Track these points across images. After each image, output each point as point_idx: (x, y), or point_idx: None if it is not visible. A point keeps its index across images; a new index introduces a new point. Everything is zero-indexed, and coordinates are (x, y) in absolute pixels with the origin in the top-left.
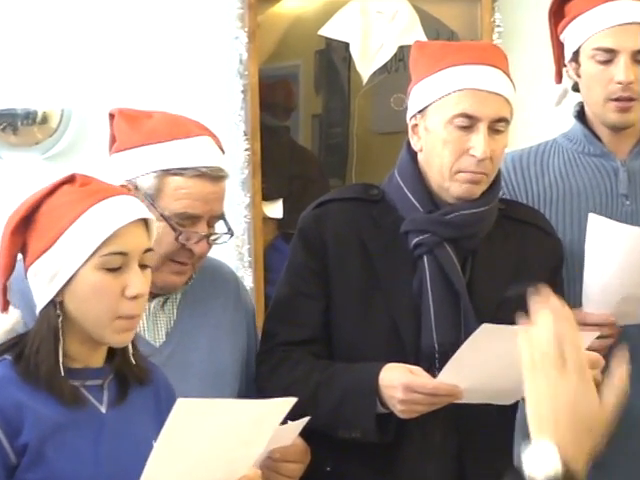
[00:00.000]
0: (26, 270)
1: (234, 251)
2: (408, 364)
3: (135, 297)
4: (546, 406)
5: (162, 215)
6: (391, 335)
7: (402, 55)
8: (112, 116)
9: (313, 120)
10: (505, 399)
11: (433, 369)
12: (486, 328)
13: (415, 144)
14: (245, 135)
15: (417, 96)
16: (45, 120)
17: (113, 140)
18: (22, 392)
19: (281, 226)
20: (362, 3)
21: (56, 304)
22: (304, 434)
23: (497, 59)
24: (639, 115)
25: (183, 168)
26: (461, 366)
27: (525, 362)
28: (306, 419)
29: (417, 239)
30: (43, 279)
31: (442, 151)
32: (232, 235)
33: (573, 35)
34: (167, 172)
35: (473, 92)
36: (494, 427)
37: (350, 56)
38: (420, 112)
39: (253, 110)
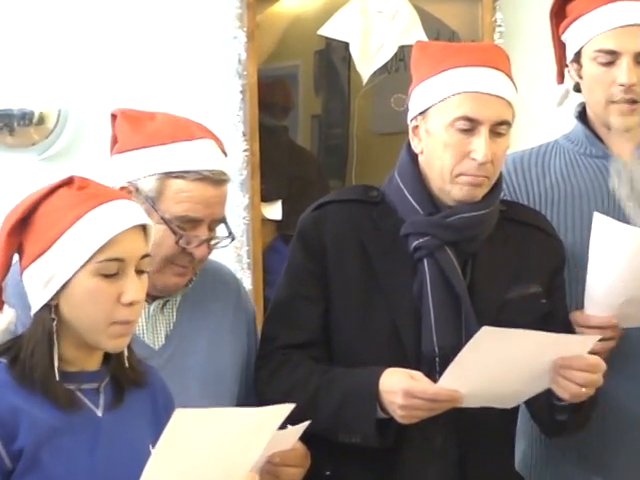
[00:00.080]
0: (22, 272)
1: (233, 253)
2: (409, 368)
3: (131, 303)
4: None
5: (163, 218)
6: (391, 338)
7: (402, 55)
8: (114, 116)
9: (312, 121)
10: (506, 403)
11: (434, 373)
12: (487, 331)
13: (416, 146)
14: (244, 136)
15: (418, 98)
16: (42, 121)
17: (114, 141)
18: (17, 396)
19: (280, 228)
20: (362, 3)
21: (51, 308)
22: (304, 438)
23: (499, 61)
24: None
25: (185, 171)
26: (462, 370)
27: None
28: (306, 424)
29: (417, 242)
30: (38, 282)
31: (443, 154)
32: (233, 239)
33: (575, 36)
34: (169, 175)
35: (474, 95)
36: (495, 431)
37: (350, 56)
38: (421, 114)
39: (252, 110)
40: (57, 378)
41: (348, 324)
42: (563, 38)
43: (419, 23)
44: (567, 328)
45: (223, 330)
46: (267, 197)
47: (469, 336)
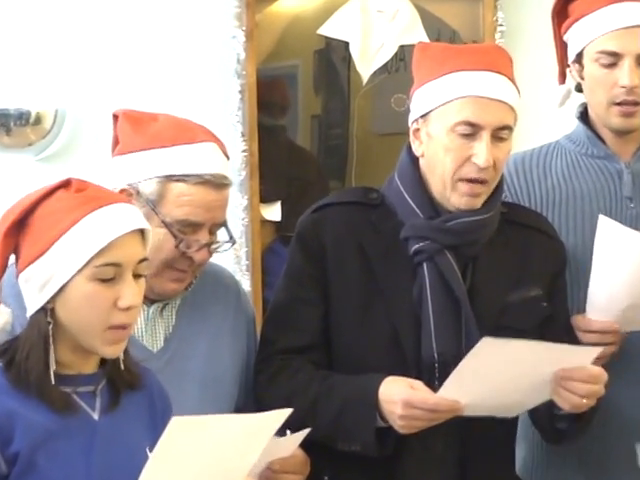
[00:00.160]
0: (18, 275)
1: (231, 254)
2: (408, 372)
3: (128, 308)
4: None
5: (163, 222)
6: (391, 343)
7: (403, 55)
8: (116, 117)
9: (312, 121)
10: (507, 412)
11: (433, 378)
12: (487, 341)
13: (416, 149)
14: (243, 136)
15: (419, 100)
16: (39, 121)
17: (116, 142)
18: (13, 400)
19: (279, 229)
20: (362, 2)
21: (47, 311)
22: (303, 445)
23: (502, 64)
24: None
25: (186, 174)
26: (462, 380)
27: None
28: (306, 431)
29: (417, 246)
30: (35, 286)
31: (444, 158)
32: (234, 243)
33: (577, 36)
34: (170, 178)
35: (476, 99)
36: (495, 436)
37: (350, 56)
38: (422, 117)
39: (251, 111)
40: (53, 381)
41: (347, 327)
42: (565, 38)
43: (420, 22)
44: (568, 331)
45: (223, 333)
46: (266, 198)
47: (469, 341)
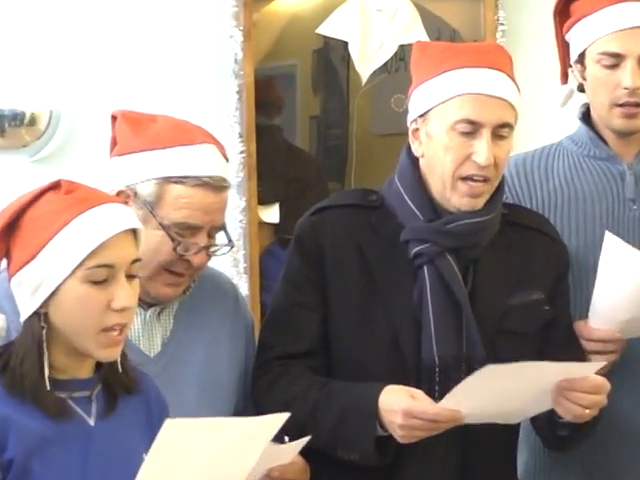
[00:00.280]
0: (10, 279)
1: (229, 257)
2: (408, 376)
3: (121, 310)
4: None
5: (161, 224)
6: (391, 347)
7: (403, 54)
8: (114, 118)
9: (311, 121)
10: (508, 420)
11: (434, 383)
12: (490, 368)
13: (416, 149)
14: (240, 137)
15: (418, 100)
16: (33, 122)
17: (114, 143)
18: (7, 405)
19: (278, 231)
20: (361, 1)
21: (40, 315)
22: (303, 452)
23: (501, 62)
24: None
25: (185, 176)
26: (463, 394)
27: None
28: (306, 439)
29: (417, 248)
30: (27, 290)
31: (444, 157)
32: (232, 247)
33: (579, 37)
34: (168, 180)
35: (476, 97)
36: (497, 441)
37: (349, 55)
38: (421, 116)
39: (249, 111)
40: (47, 387)
41: (347, 331)
42: (567, 38)
43: (420, 22)
44: (570, 335)
45: (220, 338)
46: (264, 200)
47: (470, 344)
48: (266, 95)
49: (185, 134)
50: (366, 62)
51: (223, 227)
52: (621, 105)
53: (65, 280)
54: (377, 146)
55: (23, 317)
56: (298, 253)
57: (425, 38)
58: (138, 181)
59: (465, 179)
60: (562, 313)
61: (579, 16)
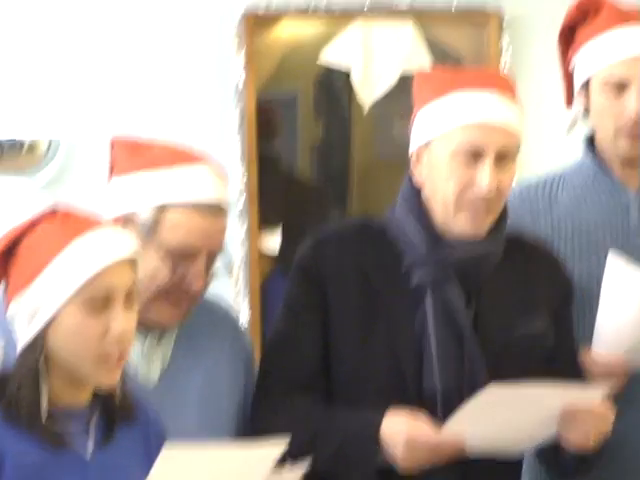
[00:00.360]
0: (7, 307)
1: (230, 284)
2: (410, 404)
3: (119, 337)
4: None
5: (158, 249)
6: (393, 375)
7: (406, 81)
8: (112, 144)
9: (312, 148)
10: (512, 450)
11: (435, 411)
12: (493, 388)
13: (418, 177)
14: (241, 163)
15: (420, 126)
16: (32, 150)
17: (112, 169)
18: (3, 434)
19: (278, 259)
20: (364, 27)
21: (37, 343)
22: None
23: (504, 87)
24: None
25: (182, 201)
26: (465, 420)
27: None
28: (306, 465)
29: (419, 276)
30: (23, 317)
31: (446, 184)
32: (232, 272)
33: (583, 64)
34: (165, 204)
35: (478, 123)
36: (499, 469)
37: (351, 82)
38: (423, 143)
39: (250, 137)
40: (44, 416)
41: (348, 359)
42: (572, 65)
43: (423, 48)
44: (574, 363)
45: (219, 366)
46: (265, 227)
47: (473, 375)
48: (266, 121)
49: (182, 156)
50: (369, 89)
51: (222, 252)
52: (626, 132)
53: (62, 308)
54: (379, 173)
55: (20, 345)
56: (299, 280)
57: (429, 65)
58: (135, 206)
59: (468, 206)
60: (566, 341)
61: (584, 42)
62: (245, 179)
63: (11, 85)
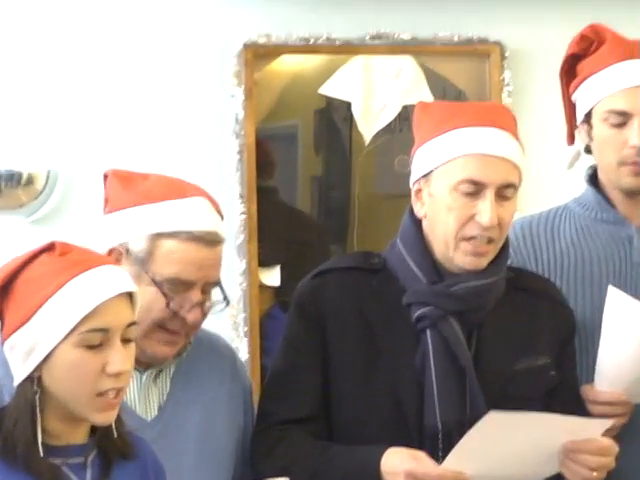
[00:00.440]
0: (3, 343)
1: (229, 320)
2: (411, 442)
3: (117, 374)
4: None
5: (153, 280)
6: (393, 412)
7: (407, 115)
8: (106, 177)
9: (312, 182)
10: None
11: (437, 449)
12: (493, 415)
13: (419, 210)
14: (241, 197)
15: (420, 160)
16: (30, 182)
17: (106, 202)
18: None
19: (278, 294)
20: (365, 60)
21: (33, 379)
22: None
23: (505, 121)
24: None
25: (176, 231)
26: (466, 453)
27: None
28: None
29: (420, 312)
30: (19, 354)
31: (447, 218)
32: (228, 304)
33: (585, 96)
34: (159, 235)
35: (479, 157)
36: None
37: (352, 115)
38: (424, 177)
39: (249, 171)
40: (40, 453)
41: (348, 396)
42: (573, 98)
43: (424, 81)
44: (577, 401)
45: (218, 402)
46: (265, 262)
47: (474, 410)
48: (266, 154)
49: (176, 189)
50: (369, 122)
51: (218, 283)
52: (629, 164)
53: (59, 344)
54: (380, 208)
55: (16, 381)
56: (298, 317)
57: (430, 98)
58: (129, 238)
59: (469, 239)
60: (568, 378)
61: (586, 75)
62: (245, 215)
63: (10, 116)
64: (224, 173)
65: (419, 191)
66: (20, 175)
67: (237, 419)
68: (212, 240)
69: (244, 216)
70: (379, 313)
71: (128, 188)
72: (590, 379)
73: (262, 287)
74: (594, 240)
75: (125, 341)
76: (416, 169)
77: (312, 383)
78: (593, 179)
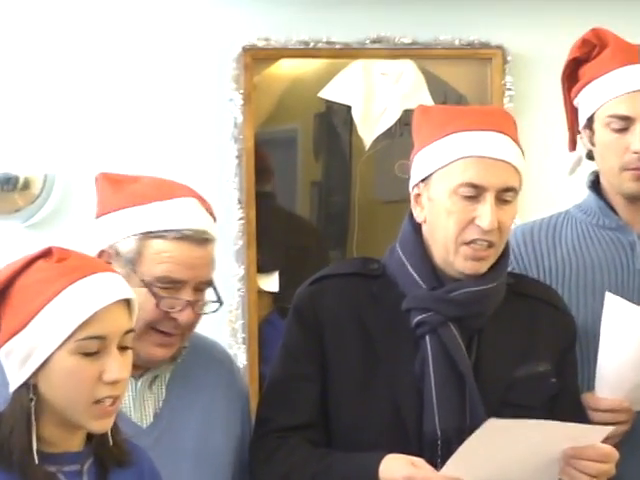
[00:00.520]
0: None
1: (227, 326)
2: (410, 449)
3: (113, 382)
4: None
5: (143, 280)
6: (392, 419)
7: (407, 119)
8: (97, 180)
9: (312, 187)
10: None
11: (435, 456)
12: (493, 423)
13: (418, 215)
14: (239, 203)
15: (420, 164)
16: (27, 186)
17: (97, 205)
18: None
19: (277, 300)
20: (365, 64)
21: (29, 387)
22: None
23: (505, 124)
24: None
25: (165, 230)
26: (466, 459)
27: None
28: None
29: (419, 317)
30: (16, 360)
31: (446, 222)
32: (221, 304)
33: (587, 101)
34: (148, 235)
35: (479, 160)
36: None
37: (352, 120)
38: (423, 181)
39: (248, 176)
40: (36, 460)
41: (347, 403)
42: (575, 103)
43: (425, 86)
44: (578, 408)
45: (215, 409)
46: (263, 268)
47: (473, 417)
48: (265, 159)
49: (165, 190)
50: (369, 127)
51: (210, 283)
52: (631, 169)
53: (55, 351)
54: (380, 213)
55: (12, 388)
56: (296, 323)
57: (430, 102)
58: (118, 239)
59: (469, 243)
60: (569, 385)
61: (588, 80)
62: (243, 220)
63: (7, 119)
64: (222, 178)
65: (418, 196)
66: (17, 179)
67: (235, 425)
68: (201, 239)
69: (242, 222)
70: (378, 319)
71: (118, 191)
72: (591, 386)
73: (261, 293)
74: (596, 246)
75: (122, 349)
76: (415, 173)
77: (310, 390)
78: (595, 185)
